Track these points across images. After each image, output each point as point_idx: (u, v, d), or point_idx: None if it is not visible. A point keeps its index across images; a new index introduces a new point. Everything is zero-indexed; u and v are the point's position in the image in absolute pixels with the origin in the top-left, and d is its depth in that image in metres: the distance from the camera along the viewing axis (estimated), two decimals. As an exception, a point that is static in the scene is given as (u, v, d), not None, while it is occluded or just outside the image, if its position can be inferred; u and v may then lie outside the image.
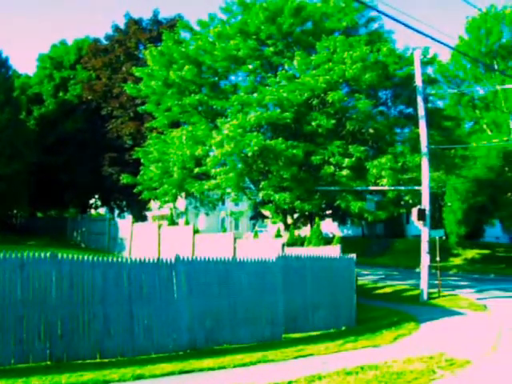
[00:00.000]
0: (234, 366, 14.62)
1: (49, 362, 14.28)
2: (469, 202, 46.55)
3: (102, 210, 75.85)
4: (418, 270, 31.79)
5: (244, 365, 14.85)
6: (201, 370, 14.19)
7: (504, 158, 47.50)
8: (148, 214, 66.56)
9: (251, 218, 72.35)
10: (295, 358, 15.94)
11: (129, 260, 16.98)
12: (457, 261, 50.51)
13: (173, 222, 42.05)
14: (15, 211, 62.39)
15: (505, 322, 21.70)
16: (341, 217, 62.78)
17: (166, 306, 16.64)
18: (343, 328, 21.47)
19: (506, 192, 47.81)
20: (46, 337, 14.41)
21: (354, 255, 23.11)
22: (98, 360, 15.01)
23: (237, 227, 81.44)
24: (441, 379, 13.28)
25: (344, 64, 29.36)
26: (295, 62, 31.05)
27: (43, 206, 64.78)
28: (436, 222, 48.57)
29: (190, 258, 17.92)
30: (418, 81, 29.57)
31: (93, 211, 68.73)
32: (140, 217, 57.42)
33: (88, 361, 14.83)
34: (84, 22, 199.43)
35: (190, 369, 14.16)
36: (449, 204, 49.22)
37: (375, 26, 35.20)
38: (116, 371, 13.41)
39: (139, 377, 13.15)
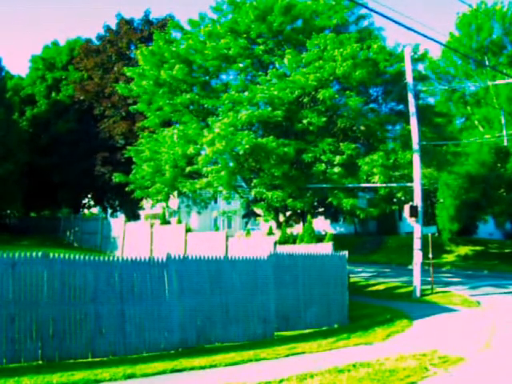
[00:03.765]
0: (226, 365, 14.65)
1: (41, 362, 14.31)
2: (461, 198, 46.48)
3: (95, 210, 75.97)
4: (410, 266, 31.88)
5: (235, 363, 14.89)
6: (192, 368, 14.22)
7: (496, 154, 47.48)
8: (141, 212, 66.62)
9: (244, 217, 72.38)
10: (287, 356, 15.98)
11: (120, 259, 16.97)
12: (450, 257, 50.47)
13: (165, 221, 42.04)
14: (8, 211, 62.40)
15: (498, 319, 21.68)
16: (333, 214, 62.89)
17: (157, 305, 16.68)
18: (336, 326, 21.49)
19: (499, 188, 47.77)
20: (37, 336, 14.46)
21: (345, 252, 23.06)
22: (89, 359, 15.06)
23: (230, 226, 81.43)
24: (433, 376, 13.29)
25: (334, 61, 29.38)
26: (286, 60, 31.05)
27: (36, 206, 64.82)
28: (429, 218, 48.62)
29: (181, 257, 17.97)
30: (409, 77, 29.59)
31: (86, 211, 68.83)
32: (133, 216, 57.58)
33: (80, 360, 14.88)
34: (76, 22, 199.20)
35: (181, 367, 14.19)
36: (441, 200, 49.19)
37: (365, 23, 35.24)
38: (107, 370, 13.44)
39: (130, 376, 13.18)
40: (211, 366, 14.45)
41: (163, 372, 13.76)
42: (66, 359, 14.71)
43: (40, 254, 14.99)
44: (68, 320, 15.02)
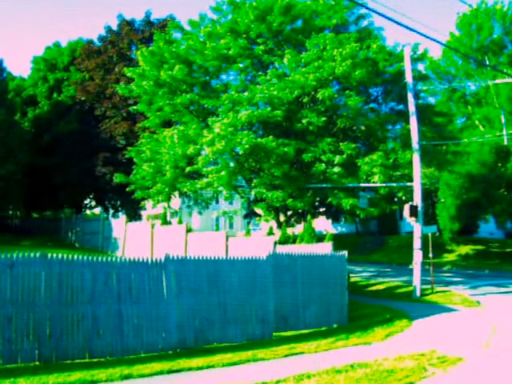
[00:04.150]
0: (223, 366, 14.62)
1: (37, 363, 14.32)
2: (462, 197, 46.36)
3: (97, 210, 76.03)
4: (410, 266, 31.78)
5: (233, 364, 14.84)
6: (189, 369, 14.20)
7: (496, 154, 47.44)
8: (143, 213, 66.61)
9: (245, 217, 72.34)
10: (285, 356, 15.92)
11: (118, 259, 16.98)
12: (451, 257, 50.41)
13: (166, 222, 42.06)
14: (10, 212, 62.52)
15: (498, 319, 21.55)
16: (334, 214, 62.79)
17: (155, 305, 16.66)
18: (335, 326, 21.45)
19: (499, 187, 47.66)
20: (34, 337, 14.46)
21: (345, 252, 22.99)
22: (86, 360, 15.05)
23: (231, 226, 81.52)
24: (432, 377, 13.21)
25: (334, 61, 29.30)
26: (285, 60, 30.99)
27: (38, 207, 65.00)
28: (429, 218, 48.58)
29: (180, 257, 17.91)
30: (409, 77, 29.54)
31: (88, 211, 68.88)
32: (134, 216, 57.64)
33: (77, 361, 14.88)
34: (77, 23, 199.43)
35: (178, 368, 14.17)
36: (442, 200, 49.09)
37: (365, 23, 35.01)
38: (104, 371, 13.42)
39: (127, 376, 13.16)
40: (209, 367, 14.42)
41: (160, 372, 13.73)
42: (63, 360, 14.71)
43: (38, 254, 14.99)
44: (65, 320, 15.03)
